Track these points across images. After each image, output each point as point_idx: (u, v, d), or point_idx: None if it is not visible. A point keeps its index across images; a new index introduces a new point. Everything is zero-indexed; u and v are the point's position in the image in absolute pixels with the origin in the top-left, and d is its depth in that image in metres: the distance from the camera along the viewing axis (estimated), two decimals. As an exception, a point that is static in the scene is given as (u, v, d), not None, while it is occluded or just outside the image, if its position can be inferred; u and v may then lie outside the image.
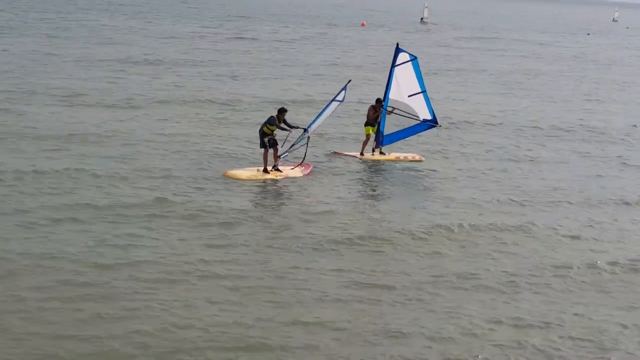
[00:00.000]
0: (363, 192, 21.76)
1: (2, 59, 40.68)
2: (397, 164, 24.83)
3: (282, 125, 21.91)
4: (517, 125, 32.38)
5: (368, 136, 25.27)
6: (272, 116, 22.11)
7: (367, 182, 22.83)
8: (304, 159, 22.57)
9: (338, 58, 52.93)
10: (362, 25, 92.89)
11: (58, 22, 64.63)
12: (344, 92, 23.18)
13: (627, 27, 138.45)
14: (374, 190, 22.12)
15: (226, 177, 21.28)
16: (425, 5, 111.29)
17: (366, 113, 25.41)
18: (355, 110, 31.95)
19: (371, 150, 25.27)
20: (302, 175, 22.25)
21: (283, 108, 22.37)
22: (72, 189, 19.29)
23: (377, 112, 25.09)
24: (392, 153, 25.44)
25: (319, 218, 18.48)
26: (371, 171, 23.92)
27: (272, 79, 40.81)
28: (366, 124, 25.29)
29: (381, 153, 25.33)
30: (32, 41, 49.44)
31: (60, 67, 39.36)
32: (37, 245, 15.44)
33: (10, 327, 12.22)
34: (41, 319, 12.55)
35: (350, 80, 24.76)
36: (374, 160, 24.97)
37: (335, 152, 25.37)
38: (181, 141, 25.20)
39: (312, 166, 22.97)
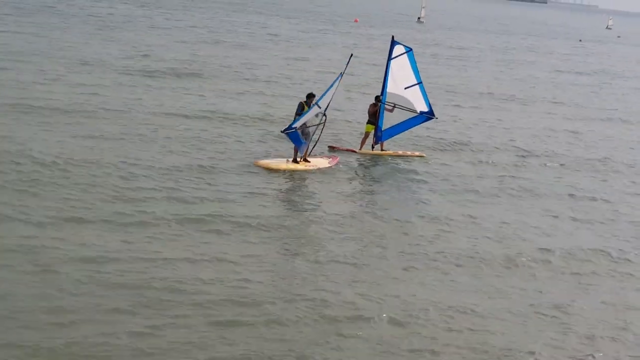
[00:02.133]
0: (369, 193, 21.50)
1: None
2: (398, 160, 24.77)
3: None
4: (509, 138, 30.33)
5: (367, 133, 25.30)
6: (300, 102, 22.26)
7: (369, 182, 22.70)
8: (317, 140, 22.42)
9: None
10: (355, 21, 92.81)
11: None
12: (346, 65, 22.79)
13: (619, 36, 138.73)
14: (376, 194, 21.42)
15: (257, 166, 21.46)
16: (423, 6, 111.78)
17: (367, 112, 25.35)
18: (354, 109, 31.69)
19: (371, 146, 25.28)
20: (329, 166, 22.40)
21: (311, 93, 22.31)
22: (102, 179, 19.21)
23: (375, 107, 25.12)
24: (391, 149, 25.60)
25: (334, 220, 18.20)
26: (372, 169, 23.79)
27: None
28: (368, 122, 25.28)
29: (382, 150, 25.36)
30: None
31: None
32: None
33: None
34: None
35: (352, 55, 24.14)
36: (374, 155, 24.97)
37: (333, 147, 25.22)
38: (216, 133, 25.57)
39: (338, 158, 23.15)
